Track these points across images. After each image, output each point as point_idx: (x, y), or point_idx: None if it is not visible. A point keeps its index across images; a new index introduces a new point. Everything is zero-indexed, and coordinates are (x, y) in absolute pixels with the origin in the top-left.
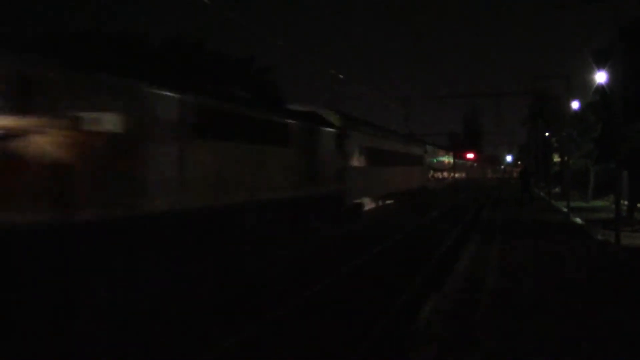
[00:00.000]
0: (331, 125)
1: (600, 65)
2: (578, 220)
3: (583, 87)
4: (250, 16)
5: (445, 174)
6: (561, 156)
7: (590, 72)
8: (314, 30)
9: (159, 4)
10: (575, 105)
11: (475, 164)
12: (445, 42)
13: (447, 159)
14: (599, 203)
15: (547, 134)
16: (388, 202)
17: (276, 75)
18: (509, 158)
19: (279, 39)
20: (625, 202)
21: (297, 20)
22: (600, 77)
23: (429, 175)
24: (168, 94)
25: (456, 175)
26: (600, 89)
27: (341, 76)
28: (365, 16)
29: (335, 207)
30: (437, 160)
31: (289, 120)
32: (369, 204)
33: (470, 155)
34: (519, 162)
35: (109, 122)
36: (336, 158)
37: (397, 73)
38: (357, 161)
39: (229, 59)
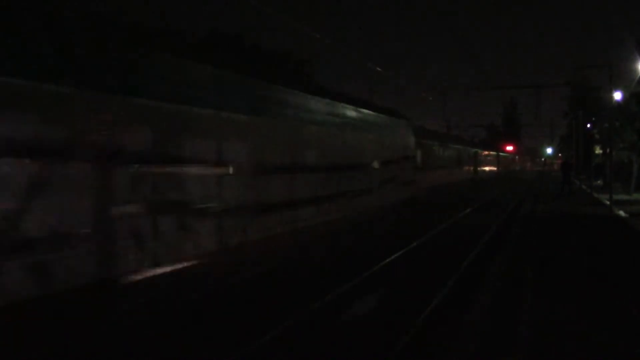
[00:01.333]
0: None
1: None
2: (621, 213)
3: (626, 77)
4: (286, 8)
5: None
6: (603, 148)
7: (634, 61)
8: (350, 21)
9: None
10: (617, 95)
11: (512, 156)
12: (484, 33)
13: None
14: None
15: (588, 125)
16: None
17: (314, 68)
18: (549, 150)
19: (316, 31)
20: None
21: (333, 12)
22: None
23: None
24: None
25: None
26: None
27: (379, 69)
28: (403, 7)
29: None
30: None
31: None
32: None
33: (509, 148)
34: (560, 155)
35: None
36: None
37: (435, 66)
38: None
39: (267, 53)
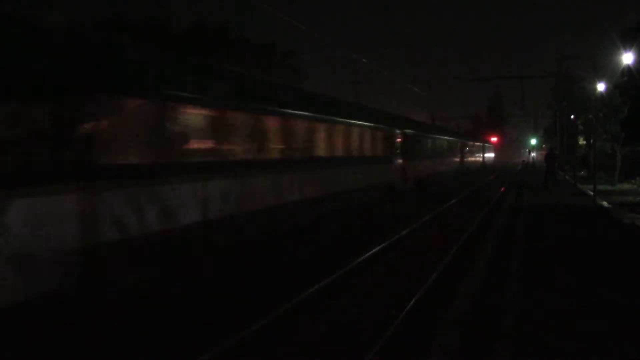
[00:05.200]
0: None
1: (627, 46)
2: (604, 203)
3: (610, 68)
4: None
5: None
6: (587, 139)
7: (618, 52)
8: (335, 12)
9: None
10: (601, 87)
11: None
12: (469, 24)
13: None
14: (626, 186)
15: (572, 116)
16: None
17: (298, 60)
18: (533, 141)
19: (301, 23)
20: None
21: (318, 4)
22: (628, 58)
23: None
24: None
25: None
26: (627, 70)
27: (364, 60)
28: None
29: None
30: None
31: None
32: None
33: (494, 139)
34: (544, 146)
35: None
36: None
37: (420, 57)
38: None
39: (252, 44)
